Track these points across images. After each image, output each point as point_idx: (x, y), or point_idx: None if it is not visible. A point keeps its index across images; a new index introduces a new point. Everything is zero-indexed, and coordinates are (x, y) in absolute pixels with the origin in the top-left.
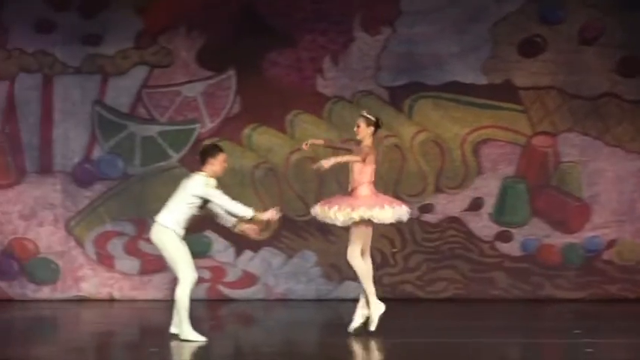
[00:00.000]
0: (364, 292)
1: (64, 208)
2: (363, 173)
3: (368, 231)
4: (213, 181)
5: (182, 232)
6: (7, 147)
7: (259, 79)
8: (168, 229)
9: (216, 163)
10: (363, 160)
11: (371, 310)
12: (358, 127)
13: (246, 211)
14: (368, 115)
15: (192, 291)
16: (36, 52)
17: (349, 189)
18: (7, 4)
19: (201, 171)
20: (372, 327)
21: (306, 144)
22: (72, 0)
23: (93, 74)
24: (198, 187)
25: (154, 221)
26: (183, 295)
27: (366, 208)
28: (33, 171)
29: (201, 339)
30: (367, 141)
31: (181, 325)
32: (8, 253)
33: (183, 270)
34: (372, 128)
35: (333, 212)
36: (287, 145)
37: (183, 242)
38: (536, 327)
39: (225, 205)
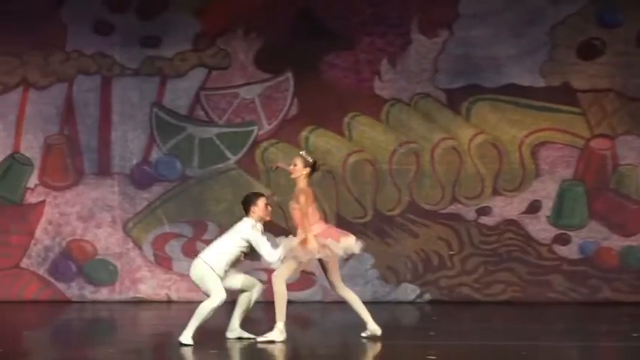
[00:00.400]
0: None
1: (122, 210)
2: (305, 217)
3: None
4: (259, 226)
5: (222, 274)
6: (66, 149)
7: (317, 81)
8: (210, 268)
9: (258, 210)
10: (297, 202)
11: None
12: (295, 165)
13: (274, 258)
14: (306, 156)
15: (217, 309)
16: (94, 54)
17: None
18: (66, 6)
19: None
20: (259, 339)
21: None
22: (130, 2)
23: (151, 76)
24: (246, 230)
25: (196, 257)
26: (207, 307)
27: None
28: (91, 173)
29: (190, 344)
30: (301, 183)
31: (187, 327)
32: (66, 255)
33: (216, 291)
34: (308, 170)
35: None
36: (344, 148)
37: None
38: (594, 330)
39: (261, 250)
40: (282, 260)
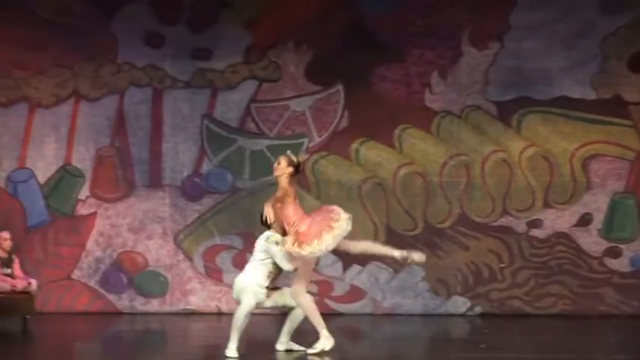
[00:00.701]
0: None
1: (173, 222)
2: (288, 216)
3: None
4: (276, 237)
5: (260, 288)
6: (117, 160)
7: (367, 93)
8: (245, 283)
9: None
10: (280, 202)
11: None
12: (278, 163)
13: (287, 267)
14: (291, 156)
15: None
16: (146, 66)
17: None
18: (117, 18)
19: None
20: (309, 352)
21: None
22: (181, 14)
23: (202, 88)
24: (260, 243)
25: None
26: (239, 315)
27: (307, 244)
28: (142, 184)
29: (235, 356)
30: (283, 182)
31: (230, 341)
32: (117, 266)
33: (245, 296)
34: (291, 169)
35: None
36: (395, 160)
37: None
38: None
39: (276, 259)
40: (295, 273)
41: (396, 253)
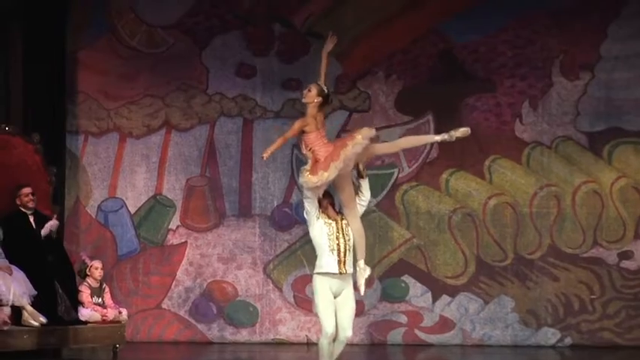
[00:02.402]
0: None
1: (263, 252)
2: (307, 144)
3: None
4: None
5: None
6: (208, 190)
7: (457, 123)
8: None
9: None
10: (304, 130)
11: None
12: (309, 91)
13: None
14: (322, 85)
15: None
16: (236, 97)
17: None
18: (208, 49)
19: None
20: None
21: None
22: (272, 45)
23: (292, 118)
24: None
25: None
26: (320, 344)
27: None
28: (232, 214)
29: None
30: (312, 110)
31: None
32: (207, 296)
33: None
34: (320, 99)
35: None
36: (485, 191)
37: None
38: None
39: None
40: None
41: (437, 137)
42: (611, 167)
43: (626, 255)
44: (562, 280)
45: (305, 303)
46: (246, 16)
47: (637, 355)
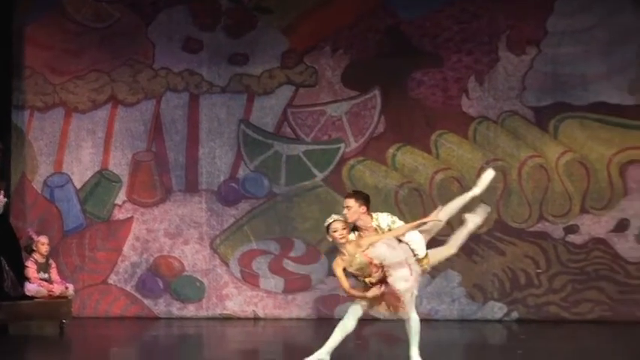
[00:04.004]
0: None
1: (209, 227)
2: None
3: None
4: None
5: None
6: (154, 165)
7: (404, 98)
8: None
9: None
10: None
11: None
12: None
13: None
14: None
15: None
16: (183, 72)
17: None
18: (154, 24)
19: None
20: None
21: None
22: (219, 20)
23: (239, 93)
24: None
25: None
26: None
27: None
28: (179, 189)
29: None
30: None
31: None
32: (154, 271)
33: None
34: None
35: None
36: (431, 165)
37: None
38: None
39: None
40: None
41: (477, 190)
42: (557, 142)
43: (571, 229)
44: (508, 255)
45: (252, 278)
46: None
47: (583, 329)
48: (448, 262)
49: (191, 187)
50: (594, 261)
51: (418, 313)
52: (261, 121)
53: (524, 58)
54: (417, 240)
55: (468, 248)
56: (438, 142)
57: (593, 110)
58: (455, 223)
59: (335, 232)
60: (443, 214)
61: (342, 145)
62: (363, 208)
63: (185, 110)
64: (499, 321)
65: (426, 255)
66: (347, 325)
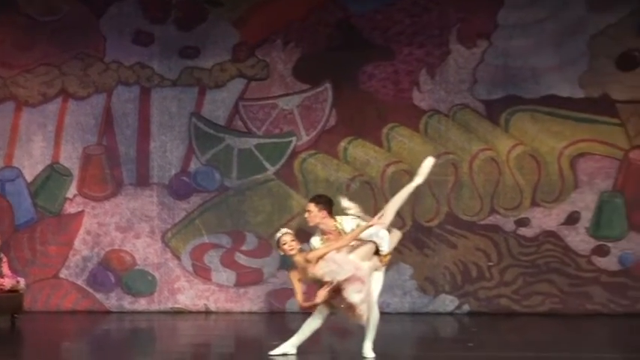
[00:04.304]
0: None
1: (161, 220)
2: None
3: None
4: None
5: None
6: (105, 159)
7: (355, 92)
8: None
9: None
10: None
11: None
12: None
13: None
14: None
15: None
16: (134, 65)
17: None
18: (105, 17)
19: None
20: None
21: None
22: (170, 13)
23: (190, 87)
24: None
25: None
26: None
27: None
28: (130, 183)
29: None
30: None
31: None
32: (105, 265)
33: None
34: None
35: None
36: (383, 159)
37: None
38: (634, 342)
39: None
40: None
41: (419, 180)
42: (508, 135)
43: (522, 222)
44: (460, 248)
45: (203, 272)
46: None
47: (533, 322)
48: (400, 256)
49: (142, 180)
50: (545, 254)
51: None
52: (212, 115)
53: (475, 51)
54: (383, 236)
55: (419, 242)
56: (390, 135)
57: (544, 103)
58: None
59: (284, 244)
60: (390, 211)
61: (294, 139)
62: (324, 213)
63: (136, 104)
64: (450, 314)
65: (389, 252)
66: (313, 323)
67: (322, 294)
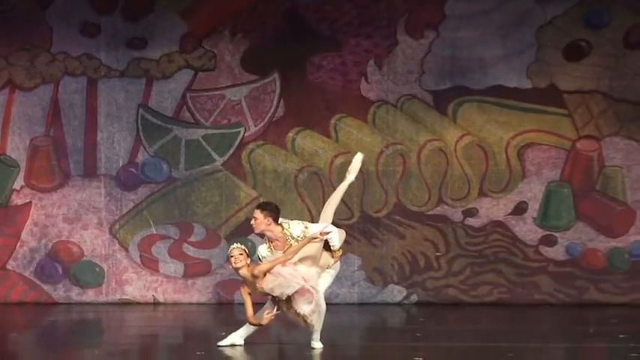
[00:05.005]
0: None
1: (109, 212)
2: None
3: None
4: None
5: None
6: (52, 150)
7: (303, 82)
8: None
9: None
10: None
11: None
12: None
13: None
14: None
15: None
16: (80, 56)
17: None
18: (52, 8)
19: None
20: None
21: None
22: (116, 3)
23: (138, 78)
24: None
25: None
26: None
27: None
28: (77, 174)
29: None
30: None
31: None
32: (52, 257)
33: None
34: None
35: None
36: (331, 149)
37: None
38: (581, 331)
39: None
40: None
41: (351, 177)
42: (456, 125)
43: (470, 212)
44: (408, 238)
45: (151, 263)
46: None
47: (481, 312)
48: (348, 246)
49: (90, 172)
50: (493, 244)
51: None
52: (160, 106)
53: (422, 42)
54: (333, 232)
55: (368, 232)
56: (338, 126)
57: (492, 94)
58: None
59: (231, 257)
60: (328, 212)
61: (242, 130)
62: (269, 220)
63: (83, 95)
64: (398, 304)
65: (340, 247)
66: (262, 314)
67: (268, 318)
